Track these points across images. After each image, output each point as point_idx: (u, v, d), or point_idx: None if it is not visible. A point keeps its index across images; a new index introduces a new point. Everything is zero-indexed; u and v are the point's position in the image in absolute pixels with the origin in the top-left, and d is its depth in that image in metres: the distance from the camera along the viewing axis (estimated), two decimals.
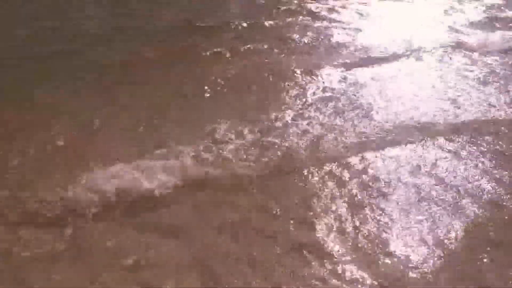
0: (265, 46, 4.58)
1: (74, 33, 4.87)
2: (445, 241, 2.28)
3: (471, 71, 4.28)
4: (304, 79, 3.95)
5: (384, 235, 2.32)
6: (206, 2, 6.02)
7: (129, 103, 3.51)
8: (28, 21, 5.25)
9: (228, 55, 4.36)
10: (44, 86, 3.74)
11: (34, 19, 5.31)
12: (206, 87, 3.73)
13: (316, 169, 2.77)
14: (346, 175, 2.75)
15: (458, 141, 3.12)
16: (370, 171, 2.78)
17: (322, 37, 4.94)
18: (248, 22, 5.12)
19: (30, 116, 3.34)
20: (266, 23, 5.19)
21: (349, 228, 2.35)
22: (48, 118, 3.28)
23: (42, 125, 3.20)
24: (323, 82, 3.92)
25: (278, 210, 2.46)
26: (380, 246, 2.25)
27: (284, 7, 5.79)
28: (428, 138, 3.13)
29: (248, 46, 4.54)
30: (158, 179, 2.59)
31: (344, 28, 5.24)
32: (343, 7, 5.93)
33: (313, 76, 4.00)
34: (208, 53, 4.38)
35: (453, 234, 2.32)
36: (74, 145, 2.96)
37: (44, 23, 5.13)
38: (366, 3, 6.25)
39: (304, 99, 3.62)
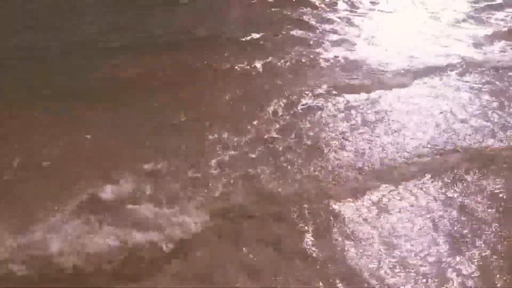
0: (265, 62, 4.34)
1: (73, 35, 4.83)
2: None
3: (481, 90, 4.00)
4: (300, 99, 3.70)
5: (393, 245, 2.31)
6: (206, 11, 5.85)
7: (128, 110, 3.47)
8: (28, 21, 5.25)
9: (228, 70, 4.16)
10: (42, 88, 3.73)
11: (34, 19, 5.32)
12: (203, 101, 3.65)
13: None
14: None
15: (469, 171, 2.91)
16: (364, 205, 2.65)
17: (324, 53, 4.66)
18: (250, 36, 4.92)
19: (26, 118, 3.33)
20: (267, 37, 4.96)
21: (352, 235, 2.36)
22: (44, 122, 3.27)
23: (37, 128, 3.20)
24: (323, 104, 3.66)
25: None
26: (390, 253, 2.26)
27: (286, 18, 5.56)
28: (442, 169, 2.93)
29: (249, 60, 4.33)
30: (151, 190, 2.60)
31: (349, 42, 4.98)
32: (349, 18, 5.69)
33: (310, 97, 3.75)
34: (205, 68, 4.20)
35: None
36: (65, 161, 2.87)
37: (44, 23, 5.14)
38: (375, 12, 6.03)
39: (297, 120, 3.43)
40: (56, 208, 2.42)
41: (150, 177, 2.71)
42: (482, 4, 6.77)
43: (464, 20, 5.95)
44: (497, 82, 4.16)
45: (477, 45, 5.07)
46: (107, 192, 2.55)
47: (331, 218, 2.46)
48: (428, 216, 2.51)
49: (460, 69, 4.38)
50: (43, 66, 4.13)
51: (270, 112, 3.50)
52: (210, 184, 2.67)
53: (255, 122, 3.32)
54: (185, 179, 2.71)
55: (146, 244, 2.25)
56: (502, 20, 6.01)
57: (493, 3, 6.89)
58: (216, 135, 3.12)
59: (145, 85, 3.81)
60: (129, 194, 2.56)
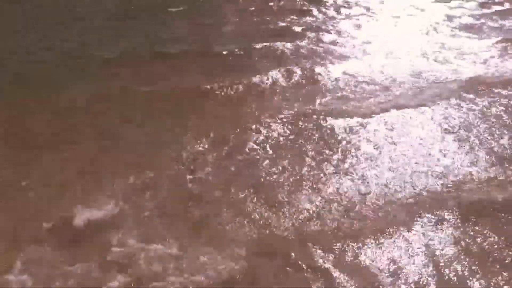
0: (255, 76, 4.07)
1: (66, 43, 4.91)
2: None
3: (491, 112, 3.52)
4: (290, 125, 3.36)
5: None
6: (201, 20, 5.72)
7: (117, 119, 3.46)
8: (29, 22, 5.42)
9: (217, 83, 3.93)
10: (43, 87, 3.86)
11: (35, 20, 5.45)
12: (191, 113, 3.54)
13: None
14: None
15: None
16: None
17: (322, 67, 4.34)
18: (244, 47, 4.75)
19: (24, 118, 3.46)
20: (259, 49, 4.76)
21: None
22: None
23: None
24: (313, 130, 3.30)
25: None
26: None
27: (281, 29, 5.40)
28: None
29: (237, 73, 4.13)
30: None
31: (344, 55, 4.68)
32: (347, 29, 5.41)
33: (301, 122, 3.38)
34: (195, 81, 4.01)
35: None
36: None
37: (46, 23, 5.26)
38: (373, 22, 5.79)
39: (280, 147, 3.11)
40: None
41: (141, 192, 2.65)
42: (490, 11, 6.56)
43: (471, 29, 5.62)
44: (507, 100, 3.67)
45: (484, 57, 4.65)
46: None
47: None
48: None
49: (468, 87, 3.90)
50: (35, 79, 4.13)
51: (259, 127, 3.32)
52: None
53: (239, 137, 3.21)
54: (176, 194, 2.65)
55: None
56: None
57: (503, 8, 6.63)
58: (203, 146, 3.08)
59: (134, 95, 3.84)
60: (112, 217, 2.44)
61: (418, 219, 2.42)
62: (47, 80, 4.08)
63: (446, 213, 2.45)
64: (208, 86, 3.93)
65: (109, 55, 4.61)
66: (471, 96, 3.74)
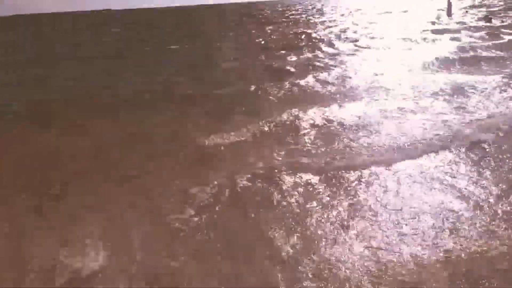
0: (260, 123, 3.82)
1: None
2: None
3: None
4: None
5: None
6: (194, 60, 5.71)
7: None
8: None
9: (218, 138, 3.66)
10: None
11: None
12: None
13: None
14: None
15: None
16: None
17: (317, 111, 4.06)
18: (243, 89, 4.58)
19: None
20: (257, 88, 4.55)
21: None
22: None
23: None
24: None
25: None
26: None
27: (273, 70, 5.22)
28: None
29: (248, 125, 3.82)
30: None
31: (336, 99, 4.36)
32: (343, 73, 5.12)
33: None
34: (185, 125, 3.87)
35: None
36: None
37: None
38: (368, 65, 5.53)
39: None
40: None
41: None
42: (500, 41, 6.29)
43: (480, 63, 5.25)
44: None
45: (494, 94, 4.23)
46: None
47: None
48: None
49: (476, 130, 3.47)
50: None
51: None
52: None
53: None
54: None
55: None
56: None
57: None
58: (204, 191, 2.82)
59: (133, 141, 3.67)
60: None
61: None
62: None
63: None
64: (206, 132, 3.72)
65: (106, 99, 4.58)
66: (480, 138, 3.31)
